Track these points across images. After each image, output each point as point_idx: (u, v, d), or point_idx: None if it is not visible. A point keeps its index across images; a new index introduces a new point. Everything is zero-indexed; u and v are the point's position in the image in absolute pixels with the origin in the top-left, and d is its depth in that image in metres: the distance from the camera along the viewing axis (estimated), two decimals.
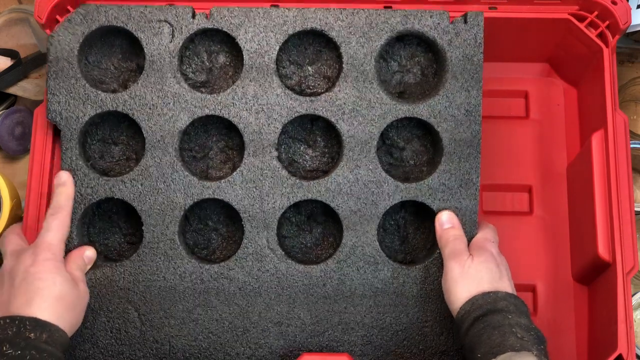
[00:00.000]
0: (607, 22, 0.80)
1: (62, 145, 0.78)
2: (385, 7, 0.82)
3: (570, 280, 0.83)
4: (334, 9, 0.79)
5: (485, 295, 0.70)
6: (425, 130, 0.81)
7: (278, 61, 0.81)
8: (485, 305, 0.69)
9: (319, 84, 0.82)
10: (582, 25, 0.81)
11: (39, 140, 0.79)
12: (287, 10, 0.80)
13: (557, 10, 0.82)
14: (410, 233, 0.81)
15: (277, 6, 0.81)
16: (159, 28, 0.79)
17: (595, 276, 0.79)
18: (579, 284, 0.82)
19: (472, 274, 0.72)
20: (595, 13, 0.80)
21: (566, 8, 0.82)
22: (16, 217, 0.87)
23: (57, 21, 0.81)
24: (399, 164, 0.81)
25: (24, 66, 0.93)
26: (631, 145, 0.81)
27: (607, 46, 0.80)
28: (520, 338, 0.66)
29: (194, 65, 0.82)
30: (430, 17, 0.79)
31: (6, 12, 0.96)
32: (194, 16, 0.80)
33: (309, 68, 0.82)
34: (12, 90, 0.92)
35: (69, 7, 0.81)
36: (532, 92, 0.88)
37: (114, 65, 0.83)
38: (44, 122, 0.79)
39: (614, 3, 0.79)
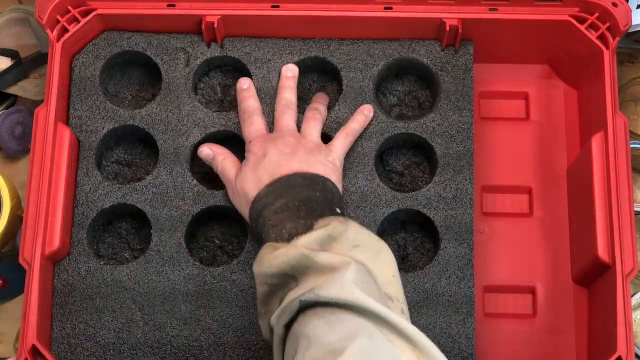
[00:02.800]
0: (608, 24, 0.80)
1: (80, 154, 0.81)
2: (385, 9, 0.82)
3: (569, 282, 0.83)
4: (335, 40, 0.84)
5: (250, 210, 0.72)
6: (422, 157, 0.84)
7: None
8: (250, 223, 0.72)
9: None
10: (582, 27, 0.81)
11: (39, 140, 0.78)
12: (293, 40, 0.84)
13: (557, 12, 0.82)
14: (411, 252, 0.83)
15: (277, 6, 0.82)
16: (176, 54, 0.83)
17: (594, 278, 0.79)
18: (579, 286, 0.82)
19: (237, 188, 0.75)
20: (596, 15, 0.80)
21: (566, 10, 0.82)
22: (16, 217, 0.87)
23: (58, 21, 0.80)
24: (398, 188, 0.83)
25: (24, 66, 0.93)
26: (631, 145, 0.81)
27: (607, 48, 0.80)
28: (274, 225, 0.68)
29: (207, 97, 0.86)
30: (424, 46, 0.84)
31: (6, 12, 0.95)
32: (209, 46, 0.84)
33: None
34: (12, 90, 0.92)
35: (69, 7, 0.81)
36: (532, 93, 0.88)
37: (131, 94, 0.86)
38: (44, 122, 0.79)
39: (615, 5, 0.79)
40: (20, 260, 0.76)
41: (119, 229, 0.83)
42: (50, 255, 0.77)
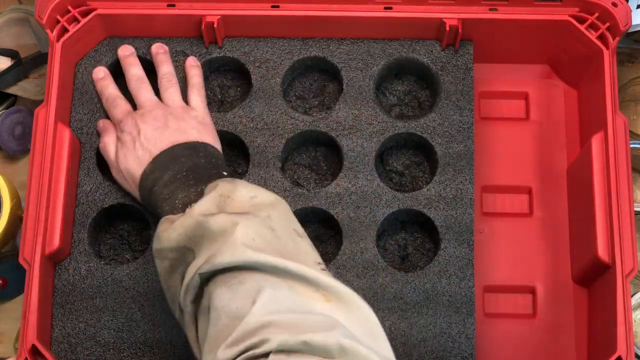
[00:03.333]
0: (608, 24, 0.80)
1: (82, 155, 0.82)
2: (385, 9, 0.82)
3: (570, 282, 0.83)
4: (335, 39, 0.84)
5: (140, 189, 0.73)
6: (423, 157, 0.85)
7: (285, 95, 0.84)
8: (144, 203, 0.73)
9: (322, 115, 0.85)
10: (582, 27, 0.81)
11: (39, 140, 0.78)
12: (292, 40, 0.84)
13: (557, 12, 0.82)
14: (411, 252, 0.83)
15: (277, 6, 0.82)
16: (176, 57, 0.84)
17: (595, 278, 0.79)
18: (579, 286, 0.82)
19: (120, 170, 0.76)
20: (596, 15, 0.80)
21: (566, 10, 0.82)
22: (16, 217, 0.87)
23: (58, 21, 0.81)
24: (398, 188, 0.83)
25: (24, 66, 0.93)
26: (631, 145, 0.81)
27: (607, 48, 0.80)
28: (166, 198, 0.69)
29: (207, 99, 0.85)
30: (424, 46, 0.84)
31: (6, 12, 0.95)
32: (208, 47, 0.84)
33: (314, 101, 0.86)
34: (12, 90, 0.92)
35: (69, 8, 0.81)
36: (532, 93, 0.88)
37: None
38: (44, 122, 0.79)
39: (615, 5, 0.80)
40: (20, 260, 0.76)
41: (121, 230, 0.83)
42: (50, 255, 0.77)
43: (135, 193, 0.75)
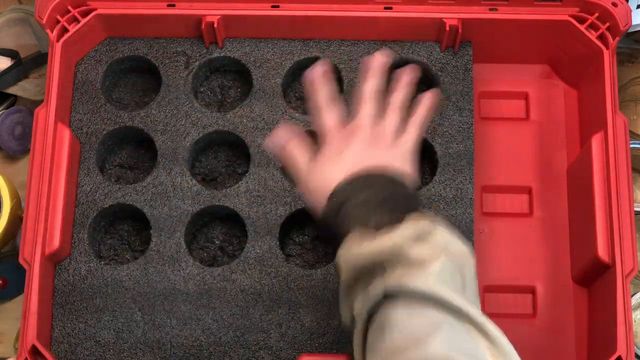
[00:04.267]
0: (608, 24, 0.80)
1: (82, 155, 0.82)
2: (385, 9, 0.82)
3: (570, 282, 0.83)
4: (336, 41, 0.84)
5: (328, 201, 0.69)
6: (423, 157, 0.83)
7: (285, 96, 0.84)
8: (326, 215, 0.69)
9: None
10: (582, 27, 0.81)
11: (39, 140, 0.79)
12: (293, 41, 0.84)
13: (557, 12, 0.82)
14: None
15: (277, 6, 0.82)
16: (176, 57, 0.84)
17: (594, 278, 0.79)
18: (579, 286, 0.82)
19: (311, 180, 0.71)
20: (596, 15, 0.80)
21: (566, 10, 0.82)
22: (16, 217, 0.87)
23: (58, 21, 0.81)
24: None
25: (24, 66, 0.93)
26: (631, 145, 0.81)
27: (607, 48, 0.80)
28: (357, 217, 0.66)
29: (207, 99, 0.86)
30: (424, 47, 0.84)
31: (6, 12, 0.95)
32: (208, 48, 0.84)
33: None
34: (12, 90, 0.92)
35: (69, 7, 0.81)
36: (532, 93, 0.88)
37: (135, 100, 0.87)
38: (44, 122, 0.79)
39: (615, 5, 0.80)
40: (20, 260, 0.76)
41: (121, 230, 0.84)
42: (50, 255, 0.77)
43: (317, 204, 0.71)
